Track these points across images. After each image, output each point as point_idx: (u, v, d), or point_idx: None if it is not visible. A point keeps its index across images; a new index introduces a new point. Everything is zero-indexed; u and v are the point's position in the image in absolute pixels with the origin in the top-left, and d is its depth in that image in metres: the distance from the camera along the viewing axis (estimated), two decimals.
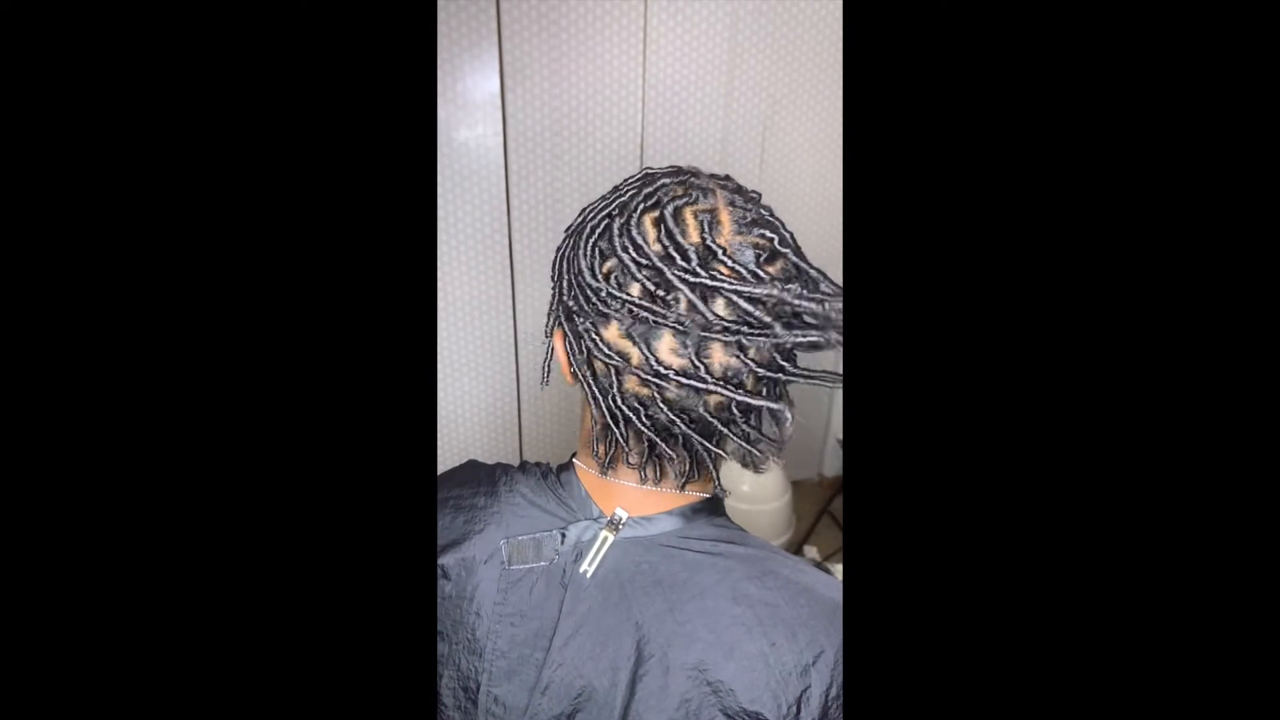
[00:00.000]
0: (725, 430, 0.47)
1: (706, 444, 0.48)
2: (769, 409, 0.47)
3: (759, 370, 0.45)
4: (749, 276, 0.43)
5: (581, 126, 1.55)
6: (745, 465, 0.50)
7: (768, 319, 0.44)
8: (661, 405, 0.46)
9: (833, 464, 2.23)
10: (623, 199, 0.48)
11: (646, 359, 0.44)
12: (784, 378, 0.46)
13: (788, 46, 1.63)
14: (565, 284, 0.48)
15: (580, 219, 0.49)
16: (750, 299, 0.43)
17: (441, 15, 1.37)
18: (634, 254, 0.44)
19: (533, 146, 1.54)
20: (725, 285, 0.43)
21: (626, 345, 0.45)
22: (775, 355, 0.45)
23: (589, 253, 0.47)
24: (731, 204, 0.46)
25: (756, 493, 1.80)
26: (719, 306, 0.43)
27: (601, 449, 0.50)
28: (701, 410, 0.46)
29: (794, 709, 0.44)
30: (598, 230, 0.47)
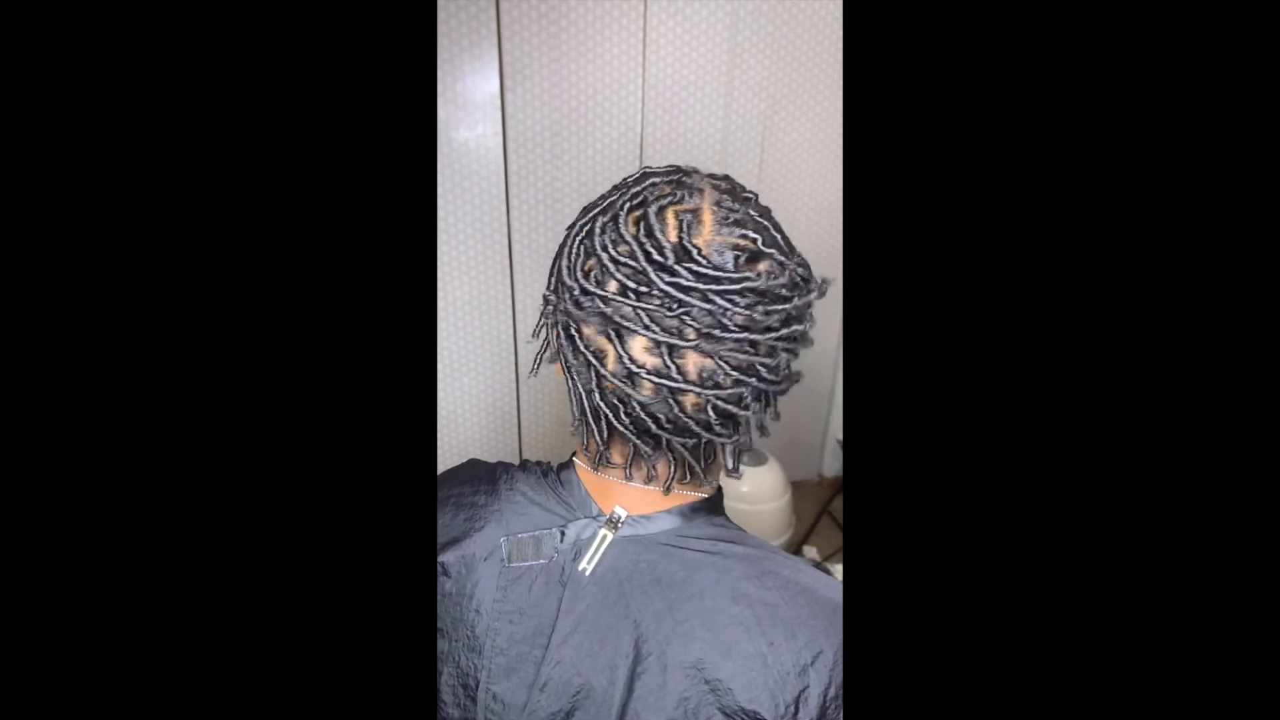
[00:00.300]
0: (701, 432, 0.47)
1: (685, 445, 0.48)
2: (735, 414, 0.46)
3: (732, 374, 0.45)
4: (722, 277, 0.43)
5: (581, 126, 1.55)
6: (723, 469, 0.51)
7: (739, 322, 0.43)
8: (635, 404, 0.46)
9: (832, 464, 2.22)
10: (613, 198, 0.48)
11: (620, 357, 0.45)
12: (756, 384, 0.45)
13: (787, 46, 1.63)
14: (552, 281, 0.49)
15: (576, 217, 0.50)
16: (725, 299, 0.43)
17: (441, 15, 1.37)
18: (612, 252, 0.45)
19: (532, 146, 1.54)
20: (696, 285, 0.43)
21: (603, 343, 0.45)
22: (750, 358, 0.45)
23: (574, 251, 0.47)
24: (718, 204, 0.46)
25: (756, 493, 1.80)
26: (697, 307, 0.43)
27: (592, 445, 0.50)
28: (677, 411, 0.45)
29: (792, 708, 0.44)
30: (585, 229, 0.47)
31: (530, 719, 0.49)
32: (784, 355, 0.47)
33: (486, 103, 1.47)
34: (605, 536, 0.51)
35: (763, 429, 0.49)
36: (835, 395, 2.09)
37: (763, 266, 0.45)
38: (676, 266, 0.43)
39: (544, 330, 0.51)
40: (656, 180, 0.48)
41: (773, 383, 0.47)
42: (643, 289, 0.43)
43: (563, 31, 1.46)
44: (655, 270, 0.43)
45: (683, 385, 0.44)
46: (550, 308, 0.49)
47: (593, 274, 0.45)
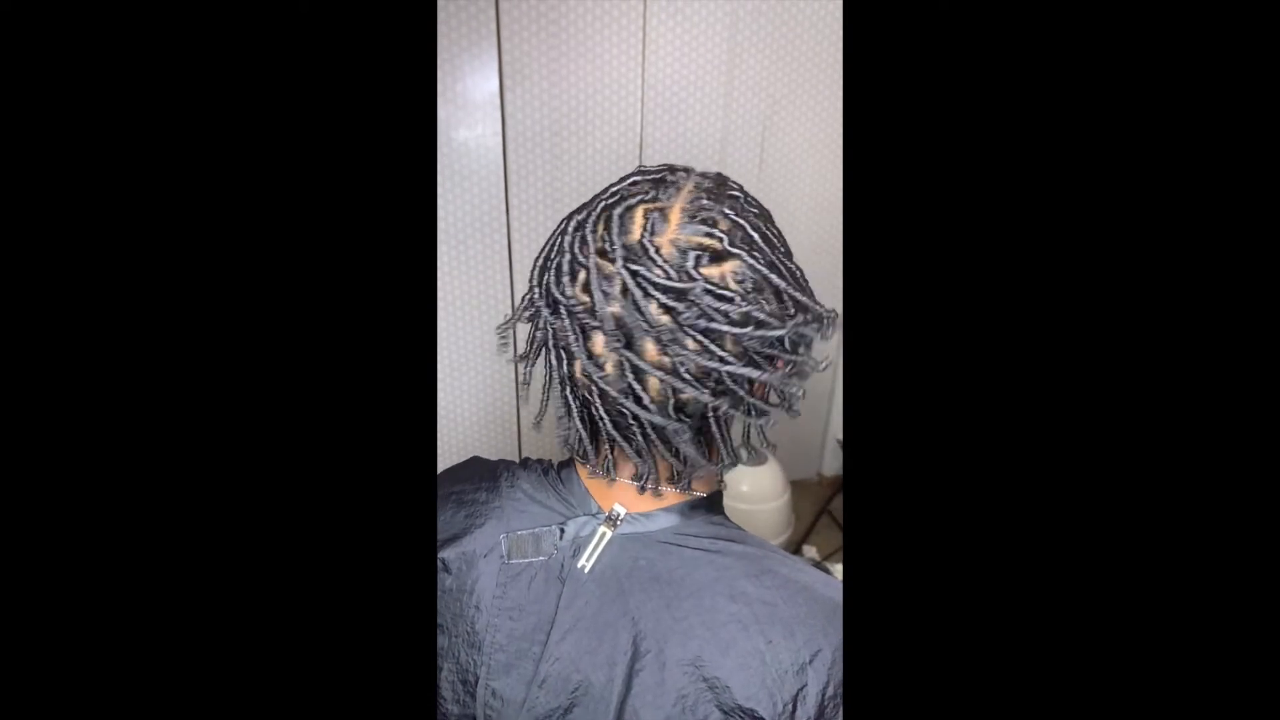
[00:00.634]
0: (664, 424, 0.46)
1: (662, 443, 0.48)
2: (656, 424, 0.46)
3: (686, 376, 0.44)
4: (675, 276, 0.43)
5: (581, 126, 1.55)
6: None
7: (689, 323, 0.43)
8: (597, 401, 0.46)
9: (832, 464, 2.22)
10: (597, 196, 0.48)
11: (580, 355, 0.45)
12: (714, 389, 0.45)
13: (787, 47, 1.63)
14: (530, 279, 0.50)
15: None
16: (670, 299, 0.43)
17: (441, 15, 1.37)
18: (577, 250, 0.45)
19: (532, 146, 1.54)
20: (633, 287, 0.42)
21: (570, 339, 0.46)
22: (711, 364, 0.44)
23: (550, 248, 0.47)
24: (692, 201, 0.45)
25: (755, 492, 1.80)
26: (651, 307, 0.43)
27: (575, 440, 0.51)
28: (642, 404, 0.45)
29: (789, 707, 0.44)
30: (561, 227, 0.48)
31: (529, 715, 0.49)
32: (774, 371, 0.46)
33: (486, 102, 1.47)
34: (604, 534, 0.51)
35: (749, 448, 0.48)
36: (835, 395, 2.09)
37: (728, 267, 0.44)
38: (621, 267, 0.43)
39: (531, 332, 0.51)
40: (638, 179, 0.48)
41: (742, 394, 0.46)
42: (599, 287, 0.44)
43: (562, 31, 1.46)
44: (607, 266, 0.44)
45: (627, 384, 0.44)
46: (526, 302, 0.50)
47: (562, 271, 0.46)
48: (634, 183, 0.47)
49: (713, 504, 0.54)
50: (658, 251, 0.43)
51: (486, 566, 0.53)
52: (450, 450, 1.78)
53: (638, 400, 0.45)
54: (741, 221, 0.45)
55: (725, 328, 0.43)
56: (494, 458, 0.63)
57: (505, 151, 1.53)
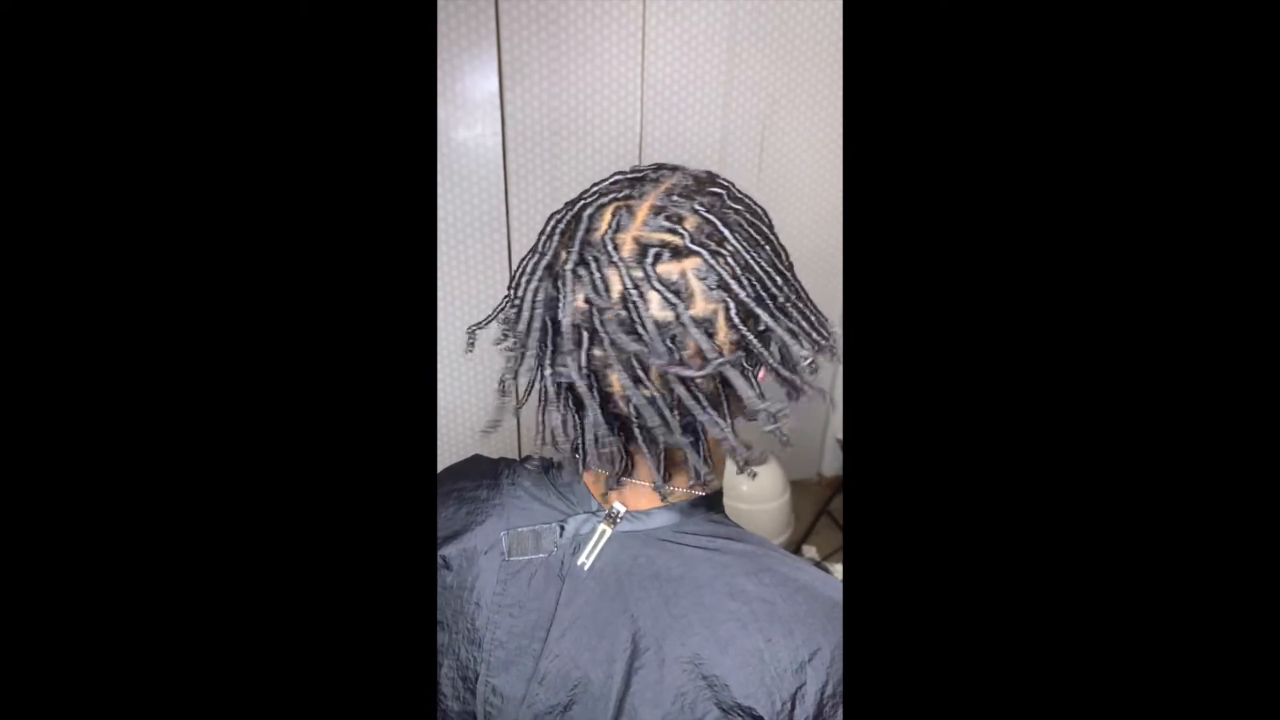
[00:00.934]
0: (630, 418, 0.46)
1: (613, 442, 0.48)
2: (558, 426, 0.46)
3: (638, 376, 0.44)
4: (627, 274, 0.43)
5: (580, 126, 1.55)
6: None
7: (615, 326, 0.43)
8: (567, 399, 0.47)
9: (831, 464, 2.23)
10: (582, 193, 0.48)
11: (546, 353, 0.46)
12: (664, 398, 0.45)
13: (787, 46, 1.63)
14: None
15: None
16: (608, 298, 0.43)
17: (440, 15, 1.37)
18: (541, 248, 0.46)
19: (531, 146, 1.54)
20: (571, 287, 0.43)
21: (536, 338, 0.47)
22: (635, 366, 0.44)
23: (533, 248, 0.48)
24: (664, 198, 0.45)
25: (755, 492, 1.80)
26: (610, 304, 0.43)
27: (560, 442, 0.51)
28: (594, 405, 0.46)
29: (788, 705, 0.44)
30: (545, 227, 0.48)
31: (529, 712, 0.50)
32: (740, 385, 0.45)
33: (485, 102, 1.47)
34: (604, 531, 0.51)
35: (706, 462, 0.48)
36: (835, 395, 2.09)
37: (688, 264, 0.43)
38: (575, 263, 0.44)
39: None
40: (620, 178, 0.48)
41: (689, 407, 0.45)
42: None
43: (562, 31, 1.46)
44: (558, 263, 0.45)
45: (578, 381, 0.44)
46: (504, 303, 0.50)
47: (537, 270, 0.47)
48: (615, 181, 0.48)
49: (713, 502, 0.54)
50: (616, 248, 0.43)
51: (487, 563, 0.53)
52: (450, 449, 1.78)
53: (604, 398, 0.45)
54: (712, 218, 0.44)
55: (653, 329, 0.43)
56: (494, 455, 0.63)
57: (505, 151, 1.53)
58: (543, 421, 0.49)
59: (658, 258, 0.43)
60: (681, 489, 0.52)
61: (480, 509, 0.55)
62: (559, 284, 0.44)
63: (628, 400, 0.45)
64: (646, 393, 0.44)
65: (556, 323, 0.45)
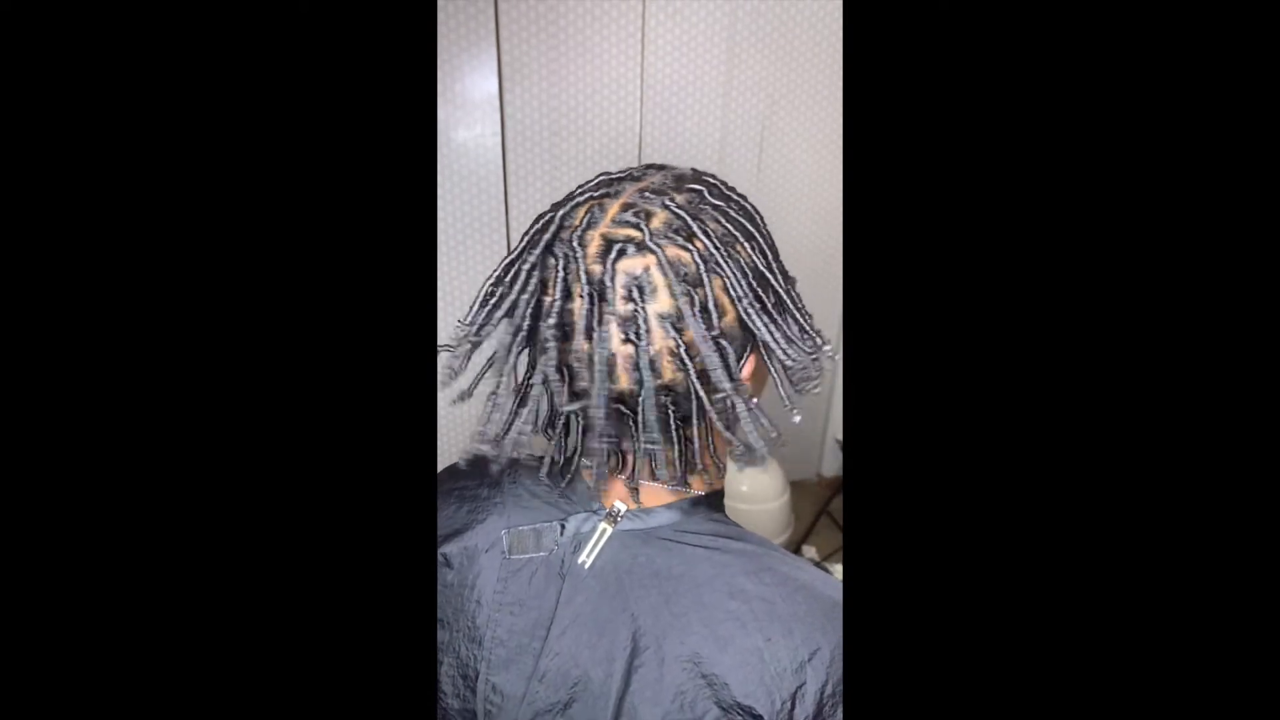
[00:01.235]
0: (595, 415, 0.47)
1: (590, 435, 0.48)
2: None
3: (601, 370, 0.45)
4: (591, 271, 0.43)
5: (580, 126, 1.55)
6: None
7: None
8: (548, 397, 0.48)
9: (831, 464, 2.22)
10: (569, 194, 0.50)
11: (525, 348, 0.48)
12: (596, 398, 0.45)
13: (786, 47, 1.63)
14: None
15: None
16: (594, 292, 0.44)
17: (440, 15, 1.37)
18: (514, 249, 0.48)
19: (531, 146, 1.54)
20: (561, 277, 0.44)
21: (515, 334, 0.48)
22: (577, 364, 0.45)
23: (509, 250, 0.50)
24: (636, 195, 0.46)
25: (755, 492, 1.80)
26: (574, 301, 0.45)
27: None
28: (566, 399, 0.47)
29: (788, 705, 0.44)
30: (530, 228, 0.49)
31: (529, 710, 0.50)
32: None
33: (485, 103, 1.47)
34: (605, 530, 0.51)
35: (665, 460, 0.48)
36: (835, 395, 2.09)
37: (651, 260, 0.44)
38: (539, 260, 0.46)
39: None
40: (603, 178, 0.49)
41: (625, 412, 0.46)
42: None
43: (561, 31, 1.46)
44: (519, 262, 0.47)
45: (547, 376, 0.45)
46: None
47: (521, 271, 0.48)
48: (598, 182, 0.48)
49: (714, 502, 0.54)
50: (583, 245, 0.44)
51: (488, 562, 0.53)
52: (450, 448, 1.78)
53: (574, 394, 0.46)
54: (683, 214, 0.45)
55: (614, 326, 0.44)
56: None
57: (504, 152, 1.53)
58: (497, 415, 0.49)
59: (621, 253, 0.43)
60: (675, 487, 0.52)
61: (481, 507, 0.55)
62: (527, 284, 0.46)
63: (599, 397, 0.45)
64: (615, 389, 0.45)
65: (531, 322, 0.46)
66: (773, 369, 0.48)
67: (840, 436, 2.13)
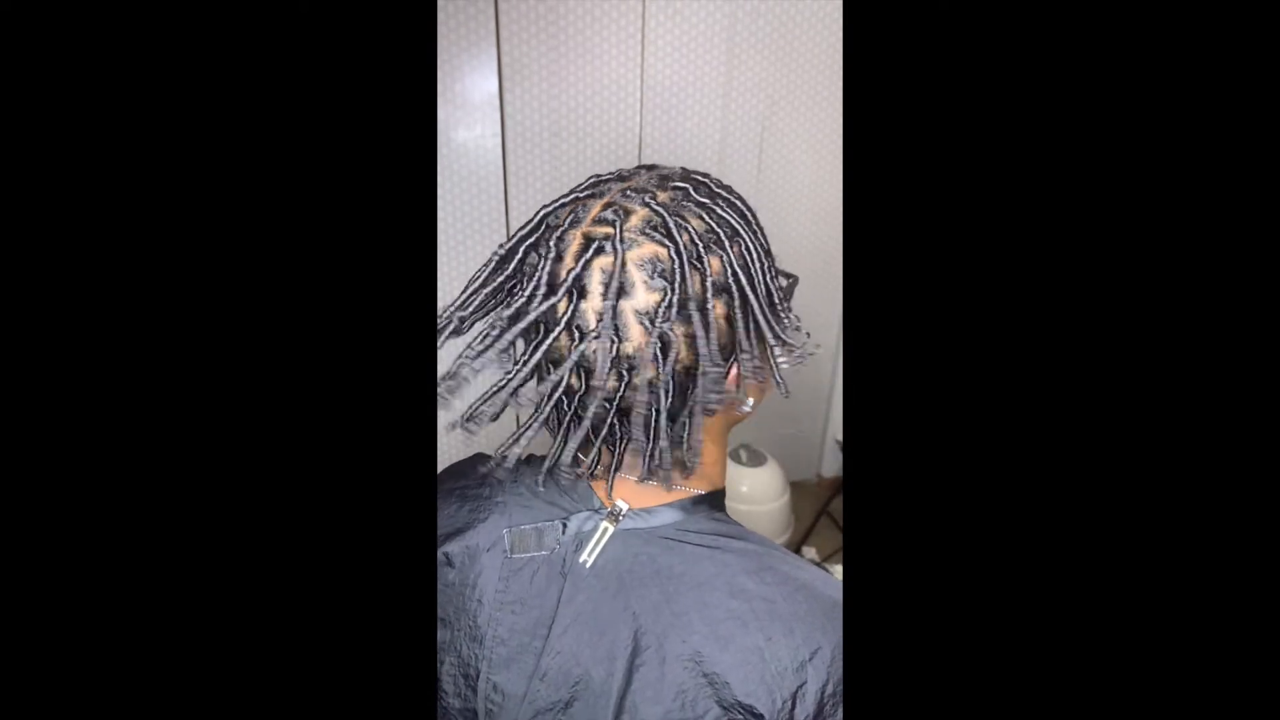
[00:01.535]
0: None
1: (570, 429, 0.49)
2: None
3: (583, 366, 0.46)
4: (561, 273, 0.44)
5: (580, 127, 1.56)
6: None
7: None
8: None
9: (831, 465, 2.23)
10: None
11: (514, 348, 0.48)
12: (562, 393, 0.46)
13: (786, 47, 1.64)
14: None
15: None
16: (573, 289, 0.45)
17: (440, 16, 1.37)
18: (501, 249, 0.49)
19: (531, 147, 1.55)
20: (544, 276, 0.45)
21: (501, 335, 0.49)
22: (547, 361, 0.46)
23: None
24: (619, 195, 0.46)
25: (755, 493, 1.80)
26: (560, 300, 0.45)
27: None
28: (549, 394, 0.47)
29: (789, 704, 0.44)
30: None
31: (530, 709, 0.50)
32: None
33: (485, 103, 1.47)
34: (606, 529, 0.51)
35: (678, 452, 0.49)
36: (835, 395, 2.09)
37: (629, 256, 0.44)
38: (522, 259, 0.47)
39: None
40: (594, 179, 0.49)
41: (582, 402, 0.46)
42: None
43: (561, 32, 1.46)
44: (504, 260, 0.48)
45: (521, 369, 0.46)
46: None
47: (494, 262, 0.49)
48: (589, 182, 0.49)
49: (715, 501, 0.54)
50: (564, 244, 0.45)
51: (489, 561, 0.53)
52: (451, 448, 1.78)
53: (559, 391, 0.46)
54: (662, 212, 0.45)
55: (590, 322, 0.45)
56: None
57: (505, 152, 1.53)
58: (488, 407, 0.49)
59: (599, 251, 0.44)
60: (677, 486, 0.53)
61: (483, 506, 0.56)
62: (511, 281, 0.47)
63: (588, 395, 0.46)
64: (597, 387, 0.45)
65: (513, 319, 0.46)
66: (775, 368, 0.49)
67: (840, 437, 2.13)
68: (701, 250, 0.45)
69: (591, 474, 0.52)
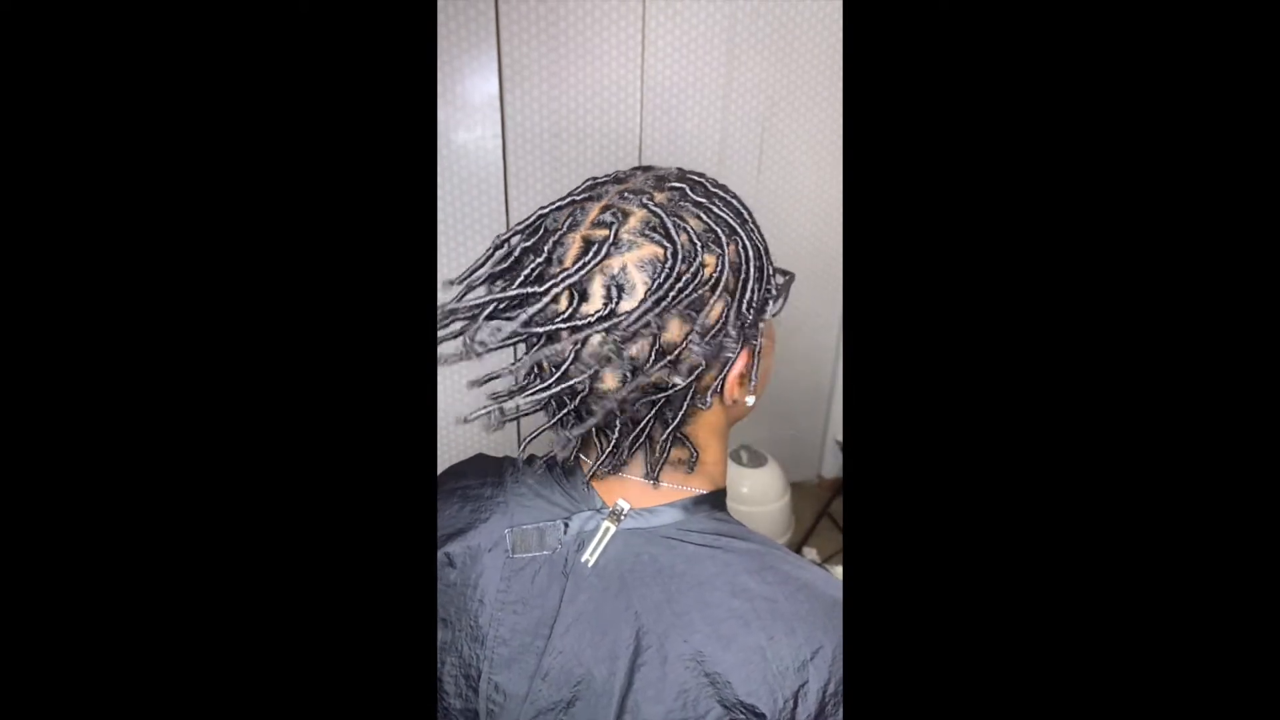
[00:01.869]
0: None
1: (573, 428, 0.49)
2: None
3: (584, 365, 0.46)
4: (562, 276, 0.44)
5: (580, 128, 1.56)
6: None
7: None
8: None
9: (831, 465, 2.23)
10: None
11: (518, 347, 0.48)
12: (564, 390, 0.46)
13: (786, 48, 1.64)
14: None
15: None
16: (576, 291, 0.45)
17: (440, 17, 1.37)
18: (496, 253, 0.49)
19: (531, 148, 1.55)
20: (542, 277, 0.45)
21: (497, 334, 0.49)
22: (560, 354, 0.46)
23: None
24: (616, 197, 0.47)
25: (755, 494, 1.80)
26: (560, 301, 0.46)
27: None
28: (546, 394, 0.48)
29: (790, 703, 0.44)
30: None
31: (531, 709, 0.50)
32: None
33: (485, 105, 1.48)
34: (608, 529, 0.51)
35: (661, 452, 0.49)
36: (835, 396, 2.09)
37: (629, 258, 0.45)
38: (517, 258, 0.47)
39: None
40: (591, 182, 0.49)
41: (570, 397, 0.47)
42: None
43: (561, 34, 1.46)
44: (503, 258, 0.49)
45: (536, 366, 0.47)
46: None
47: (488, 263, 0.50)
48: (586, 185, 0.49)
49: (716, 500, 0.54)
50: (563, 247, 0.45)
51: (491, 561, 0.53)
52: (451, 449, 1.78)
53: (563, 393, 0.47)
54: (660, 213, 0.45)
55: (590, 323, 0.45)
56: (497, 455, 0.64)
57: (505, 154, 1.53)
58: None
59: (598, 253, 0.44)
60: (679, 484, 0.53)
61: (484, 506, 0.56)
62: (510, 285, 0.47)
63: (591, 394, 0.46)
64: (600, 388, 0.46)
65: (514, 322, 0.47)
66: (757, 363, 0.49)
67: (840, 438, 2.13)
68: (700, 249, 0.45)
69: (594, 475, 0.52)
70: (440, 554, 0.54)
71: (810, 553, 1.88)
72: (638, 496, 0.52)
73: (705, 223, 0.46)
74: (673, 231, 0.44)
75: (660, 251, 0.44)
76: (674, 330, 0.45)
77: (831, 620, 0.46)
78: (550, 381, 0.46)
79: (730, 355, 0.48)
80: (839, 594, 0.48)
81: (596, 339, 0.45)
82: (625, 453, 0.50)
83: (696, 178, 0.49)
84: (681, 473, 0.52)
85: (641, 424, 0.48)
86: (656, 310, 0.44)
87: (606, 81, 1.53)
